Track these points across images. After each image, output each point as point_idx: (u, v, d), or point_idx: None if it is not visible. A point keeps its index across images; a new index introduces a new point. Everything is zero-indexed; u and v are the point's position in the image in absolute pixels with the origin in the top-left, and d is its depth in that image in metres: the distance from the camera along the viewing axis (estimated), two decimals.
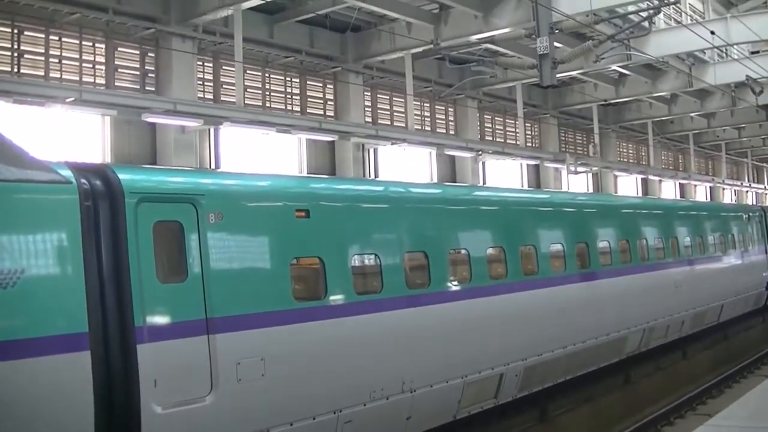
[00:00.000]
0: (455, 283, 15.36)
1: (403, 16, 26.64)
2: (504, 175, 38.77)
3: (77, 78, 22.34)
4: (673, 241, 25.18)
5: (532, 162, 38.58)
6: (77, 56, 22.44)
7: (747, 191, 65.88)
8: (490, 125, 39.17)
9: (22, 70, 21.16)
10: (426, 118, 34.98)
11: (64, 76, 22.02)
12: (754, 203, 58.78)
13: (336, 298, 12.79)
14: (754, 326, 33.25)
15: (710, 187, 59.50)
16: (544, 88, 26.44)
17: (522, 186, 39.70)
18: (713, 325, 28.84)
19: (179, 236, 10.92)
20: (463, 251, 15.69)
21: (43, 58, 21.67)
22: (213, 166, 25.12)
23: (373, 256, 13.71)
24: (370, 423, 13.15)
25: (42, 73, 21.58)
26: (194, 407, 10.69)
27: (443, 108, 35.99)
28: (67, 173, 10.04)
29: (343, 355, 12.69)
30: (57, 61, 21.94)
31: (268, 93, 28.03)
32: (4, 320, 9.17)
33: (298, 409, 12.01)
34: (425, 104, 34.89)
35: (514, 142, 39.00)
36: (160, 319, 10.52)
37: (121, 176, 10.57)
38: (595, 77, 36.75)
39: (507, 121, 39.87)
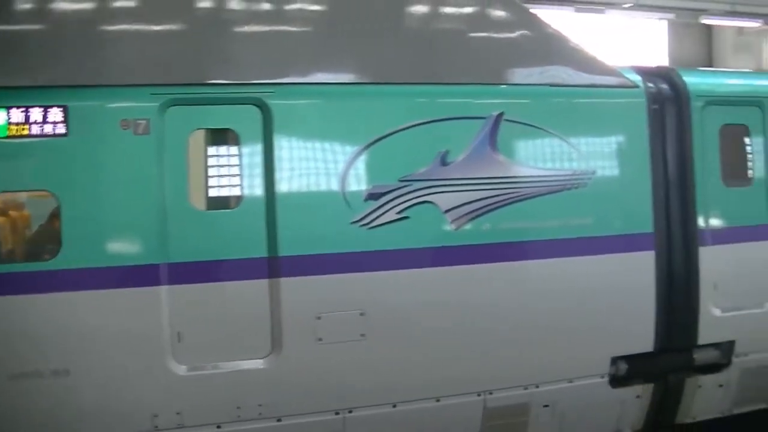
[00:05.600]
0: None
1: None
2: None
3: None
4: None
5: None
6: None
7: None
8: None
9: None
10: None
11: None
12: None
13: None
14: None
15: None
16: None
17: None
18: None
19: (745, 140, 10.82)
20: None
21: None
22: None
23: None
24: None
25: None
26: (752, 312, 10.66)
27: None
28: (634, 77, 10.28)
29: None
30: None
31: None
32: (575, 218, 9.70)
33: None
34: None
35: None
36: (723, 224, 10.55)
37: (687, 79, 10.65)
38: None
39: None
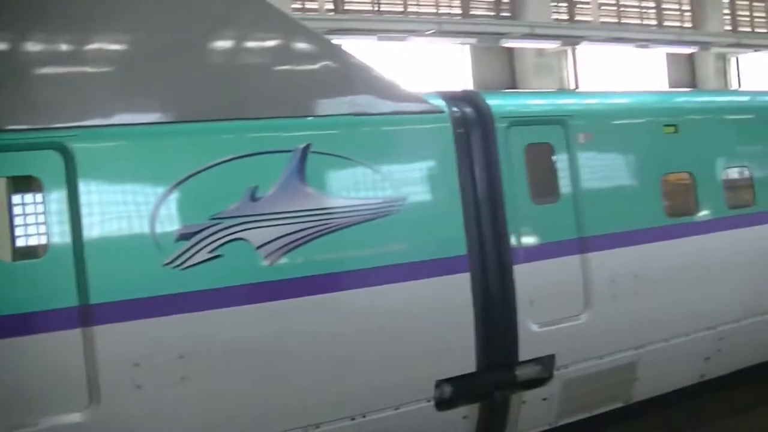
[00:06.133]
0: None
1: None
2: None
3: (434, 10, 22.85)
4: None
5: None
6: None
7: None
8: None
9: (382, 8, 21.89)
10: None
11: (421, 10, 22.59)
12: None
13: (707, 213, 12.55)
14: None
15: None
16: None
17: None
18: None
19: (550, 158, 11.05)
20: None
21: None
22: (573, 87, 25.07)
23: (744, 169, 13.30)
24: (744, 340, 12.90)
25: (401, 9, 22.24)
26: (569, 325, 10.88)
27: None
28: (439, 102, 10.39)
29: (715, 271, 12.46)
30: None
31: (622, 9, 27.53)
32: (389, 245, 9.71)
33: (671, 326, 11.97)
34: None
35: None
36: (535, 241, 10.75)
37: (490, 102, 10.81)
38: None
39: None
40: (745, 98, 15.76)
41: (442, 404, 10.01)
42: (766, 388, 13.81)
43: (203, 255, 8.52)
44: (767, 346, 13.59)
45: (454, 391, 10.04)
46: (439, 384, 9.93)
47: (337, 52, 10.07)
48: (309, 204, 9.12)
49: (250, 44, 9.63)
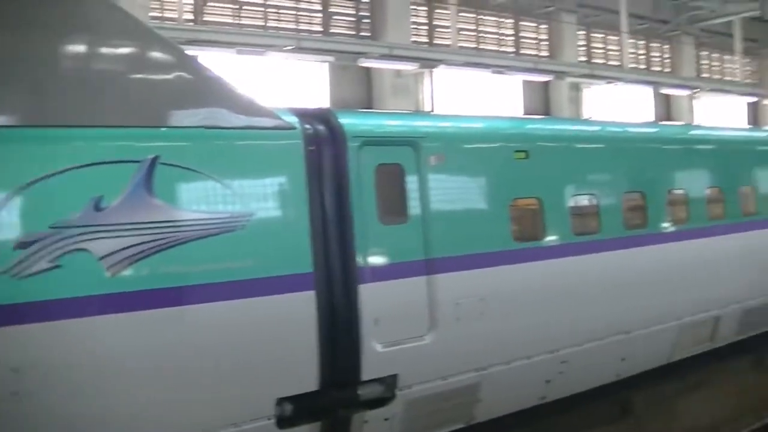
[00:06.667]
0: (672, 223, 15.13)
1: None
2: (721, 113, 37.61)
3: (294, 26, 22.83)
4: None
5: (751, 99, 37.25)
6: (294, 4, 22.92)
7: None
8: (706, 62, 38.03)
9: (242, 21, 21.78)
10: (641, 57, 34.25)
11: (281, 25, 22.55)
12: None
13: (554, 239, 12.81)
14: None
15: None
16: (766, 21, 25.48)
17: (740, 124, 38.43)
18: None
19: (400, 179, 11.12)
20: (680, 192, 15.42)
21: (261, 8, 22.23)
22: (429, 109, 25.30)
23: (591, 197, 13.63)
24: (585, 363, 13.18)
25: (261, 23, 22.16)
26: (413, 345, 10.94)
27: (658, 46, 35.15)
28: (291, 119, 10.37)
29: (559, 296, 12.71)
30: (275, 10, 22.47)
31: (481, 35, 27.96)
32: (235, 261, 9.62)
33: (514, 349, 12.16)
34: (640, 42, 34.14)
35: (731, 79, 37.71)
36: (381, 260, 10.79)
37: (343, 121, 10.83)
38: None
39: (724, 57, 38.55)
40: (596, 128, 16.15)
41: (283, 422, 9.92)
42: (604, 409, 14.22)
43: (42, 264, 8.28)
44: (608, 370, 13.93)
45: (295, 410, 9.97)
46: (281, 402, 9.86)
47: (190, 63, 9.93)
48: (155, 216, 8.94)
49: (102, 50, 9.35)
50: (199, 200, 9.31)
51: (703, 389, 16.06)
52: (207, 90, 9.86)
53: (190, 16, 20.66)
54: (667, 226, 14.94)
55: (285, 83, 22.23)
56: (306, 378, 10.05)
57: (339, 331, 10.32)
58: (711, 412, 15.10)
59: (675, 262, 14.84)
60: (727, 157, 17.18)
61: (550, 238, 12.72)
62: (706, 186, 16.14)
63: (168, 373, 9.04)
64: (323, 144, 10.50)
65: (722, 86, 34.66)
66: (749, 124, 39.29)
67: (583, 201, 13.61)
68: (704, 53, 37.82)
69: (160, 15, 20.26)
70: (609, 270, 13.53)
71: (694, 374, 16.06)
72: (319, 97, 23.16)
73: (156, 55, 9.65)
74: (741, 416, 14.71)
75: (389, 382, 10.79)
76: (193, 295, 9.19)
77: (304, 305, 9.95)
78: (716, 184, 16.32)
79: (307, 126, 10.43)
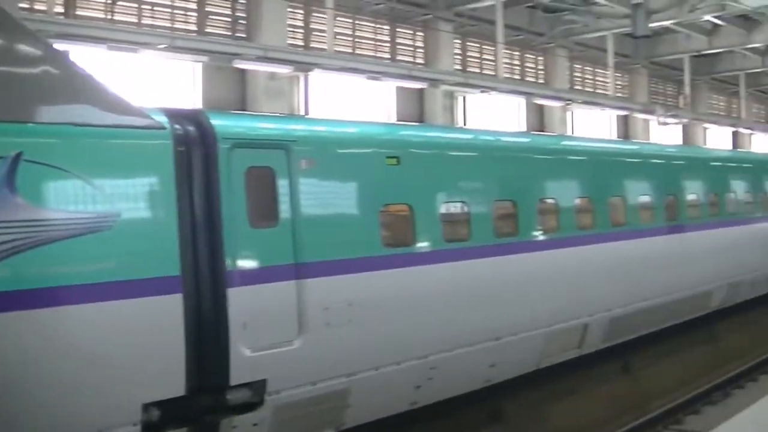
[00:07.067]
0: (543, 232, 15.34)
1: None
2: (592, 125, 38.39)
3: (169, 24, 22.51)
4: (762, 196, 24.83)
5: (621, 112, 38.08)
6: (169, 2, 22.59)
7: None
8: (579, 75, 38.73)
9: (115, 17, 21.37)
10: (515, 67, 34.70)
11: (156, 23, 22.20)
12: None
13: (424, 246, 12.85)
14: None
15: None
16: (636, 38, 26.06)
17: (610, 137, 39.26)
18: None
19: (271, 182, 11.03)
20: (551, 201, 15.65)
21: (136, 5, 21.86)
22: (303, 113, 25.20)
23: (461, 204, 13.72)
24: (455, 369, 13.25)
25: (135, 20, 21.79)
26: (282, 350, 10.86)
27: (533, 57, 35.65)
28: (161, 119, 10.18)
29: (429, 302, 12.76)
30: (150, 8, 22.12)
31: (358, 40, 27.97)
32: (100, 263, 9.37)
33: (383, 354, 12.15)
34: (515, 53, 34.58)
35: (603, 92, 38.49)
36: (251, 264, 10.68)
37: (214, 122, 10.70)
38: (688, 27, 35.93)
39: (597, 71, 39.35)
40: (469, 136, 16.29)
41: (149, 428, 9.74)
42: (474, 415, 14.36)
43: None
44: (478, 376, 14.04)
45: (162, 415, 9.81)
46: (147, 407, 9.66)
47: (58, 58, 9.71)
48: (17, 215, 8.68)
49: None
50: (64, 199, 9.07)
51: (572, 395, 16.38)
52: (75, 86, 9.64)
53: (62, 9, 20.17)
54: (537, 234, 15.15)
55: (158, 82, 21.89)
56: (173, 383, 9.88)
57: (207, 335, 10.20)
58: (579, 418, 15.40)
59: (544, 271, 15.07)
60: (598, 168, 17.54)
61: (420, 245, 12.77)
62: (577, 196, 16.43)
63: (28, 378, 8.79)
64: (193, 145, 10.37)
65: (594, 99, 35.24)
66: (619, 137, 40.15)
67: (454, 208, 13.71)
68: (578, 66, 38.50)
69: (29, 6, 19.73)
70: (479, 277, 13.65)
71: (563, 381, 16.36)
72: (193, 98, 22.87)
73: (22, 48, 9.37)
74: (607, 422, 15.06)
75: (258, 387, 10.70)
76: (57, 298, 8.94)
77: (170, 308, 9.79)
78: (586, 195, 16.63)
79: (178, 126, 10.28)
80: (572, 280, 15.79)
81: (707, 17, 32.80)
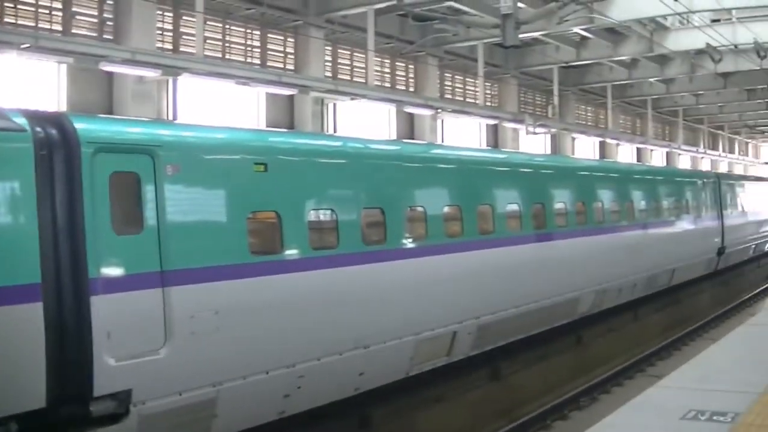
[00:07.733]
0: (411, 240, 15.40)
1: None
2: (462, 134, 38.75)
3: (33, 24, 21.93)
4: (628, 205, 25.45)
5: (491, 121, 38.52)
6: (34, 1, 22.02)
7: (702, 158, 66.51)
8: (450, 84, 39.05)
9: None
10: (386, 75, 34.83)
11: (19, 22, 21.61)
12: (709, 170, 59.01)
13: (292, 253, 12.77)
14: (704, 291, 33.73)
15: (666, 153, 60.08)
16: (506, 48, 26.37)
17: (480, 145, 39.71)
18: (665, 289, 29.23)
19: (136, 188, 10.81)
20: (419, 209, 15.72)
21: None
22: (171, 118, 24.85)
23: (330, 212, 13.68)
24: (323, 377, 13.20)
25: None
26: (148, 360, 10.65)
27: (404, 65, 35.82)
28: (21, 121, 9.89)
29: (297, 310, 12.69)
30: (12, 5, 21.53)
31: (228, 45, 27.72)
32: None
33: (251, 363, 12.02)
34: (386, 61, 34.71)
35: (473, 101, 38.90)
36: (115, 271, 10.44)
37: (78, 125, 10.43)
38: (557, 39, 36.64)
39: (467, 80, 39.75)
40: (338, 143, 16.26)
41: None
42: (343, 423, 14.33)
43: None
44: (347, 384, 14.01)
45: (21, 428, 9.51)
46: (5, 421, 9.36)
47: None
48: None
49: None
50: None
51: (442, 402, 16.49)
52: None
53: None
54: (405, 242, 15.19)
55: (20, 84, 21.30)
56: (32, 394, 9.59)
57: (69, 345, 9.95)
58: (448, 425, 15.50)
59: (413, 278, 15.13)
60: (466, 177, 17.69)
61: (288, 252, 12.70)
62: (445, 204, 16.54)
63: None
64: (55, 148, 10.11)
65: (464, 108, 35.60)
66: (489, 145, 40.63)
67: (323, 215, 13.68)
68: (448, 75, 38.82)
69: None
70: (347, 285, 13.64)
71: (432, 388, 16.45)
72: (57, 101, 22.34)
73: None
74: (477, 428, 15.17)
75: (123, 398, 10.48)
76: None
77: (30, 317, 9.51)
78: (455, 203, 16.75)
79: (39, 129, 10.01)
80: (441, 288, 15.90)
81: (576, 29, 33.52)
